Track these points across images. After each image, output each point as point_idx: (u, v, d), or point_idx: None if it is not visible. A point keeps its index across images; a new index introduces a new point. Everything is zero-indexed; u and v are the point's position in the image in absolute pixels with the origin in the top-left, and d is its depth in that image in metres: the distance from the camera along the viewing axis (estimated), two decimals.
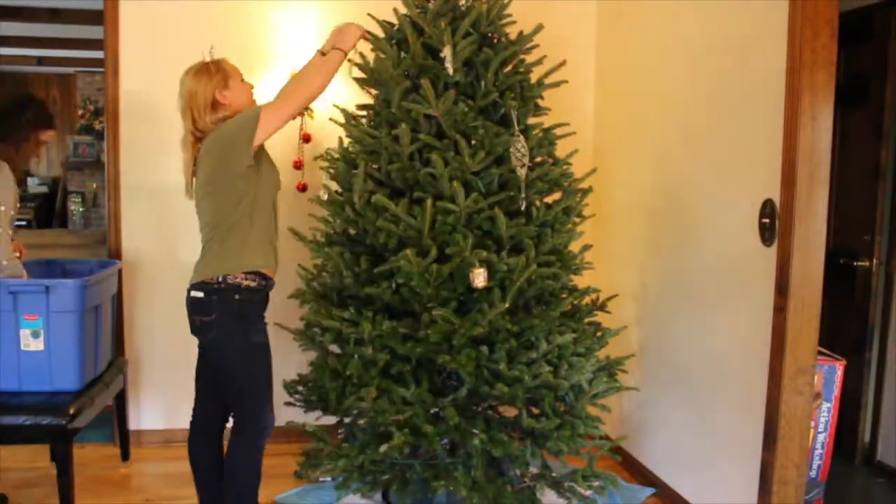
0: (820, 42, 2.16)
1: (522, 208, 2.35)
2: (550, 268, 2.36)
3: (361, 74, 2.58)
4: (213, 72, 2.29)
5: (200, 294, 2.20)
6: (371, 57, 2.54)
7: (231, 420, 2.37)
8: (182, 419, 3.43)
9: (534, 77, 2.51)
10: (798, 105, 2.17)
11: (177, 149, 2.31)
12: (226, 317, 2.19)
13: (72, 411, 2.46)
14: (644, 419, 3.20)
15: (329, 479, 2.84)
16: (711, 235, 2.69)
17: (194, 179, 2.27)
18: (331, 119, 2.79)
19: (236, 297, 2.19)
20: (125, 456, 3.23)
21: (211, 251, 2.23)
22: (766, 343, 2.32)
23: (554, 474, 2.44)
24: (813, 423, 2.46)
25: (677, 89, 2.92)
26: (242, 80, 2.37)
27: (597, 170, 2.63)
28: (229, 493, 2.29)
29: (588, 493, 2.45)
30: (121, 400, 3.18)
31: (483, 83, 2.39)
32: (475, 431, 2.26)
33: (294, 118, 2.37)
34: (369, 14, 2.58)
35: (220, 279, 2.19)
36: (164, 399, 3.43)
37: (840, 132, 3.27)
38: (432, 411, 2.31)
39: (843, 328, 3.38)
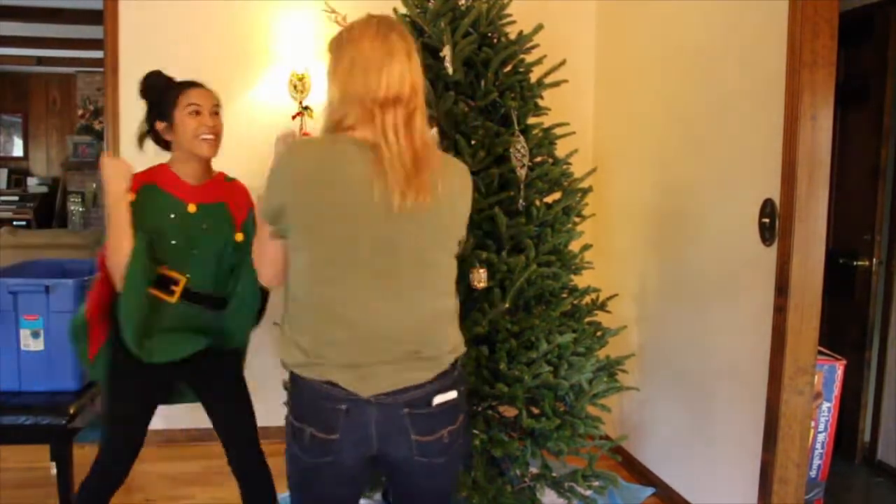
0: (820, 42, 2.16)
1: (521, 208, 2.35)
2: (550, 267, 2.36)
3: None
4: None
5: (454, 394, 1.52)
6: None
7: None
8: (182, 419, 3.44)
9: (534, 77, 2.51)
10: (798, 105, 2.17)
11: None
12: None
13: (72, 411, 2.46)
14: (644, 419, 3.20)
15: None
16: (711, 235, 2.69)
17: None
18: None
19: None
20: None
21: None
22: (766, 343, 2.32)
23: (554, 474, 2.43)
24: (813, 423, 2.45)
25: (677, 89, 2.92)
26: None
27: (597, 170, 2.63)
28: None
29: (588, 493, 2.45)
30: None
31: (483, 83, 2.39)
32: (475, 431, 2.26)
33: None
34: (369, 14, 2.58)
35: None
36: None
37: (840, 132, 3.27)
38: None
39: (843, 328, 3.37)
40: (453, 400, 1.50)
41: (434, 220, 1.46)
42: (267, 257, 1.55)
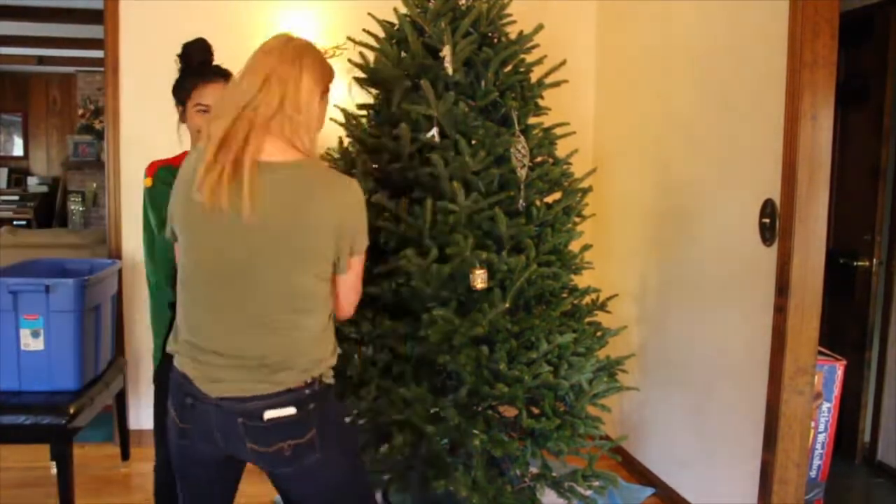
0: (820, 42, 2.16)
1: (521, 208, 2.35)
2: (550, 267, 2.36)
3: (361, 74, 2.58)
4: (329, 70, 1.61)
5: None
6: (371, 57, 2.54)
7: None
8: None
9: (534, 77, 2.51)
10: (798, 105, 2.17)
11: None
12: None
13: (72, 411, 2.46)
14: (644, 419, 3.20)
15: None
16: (712, 235, 2.69)
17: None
18: (331, 119, 2.79)
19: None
20: (125, 455, 3.23)
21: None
22: (766, 343, 2.32)
23: (554, 474, 2.43)
24: (813, 423, 2.45)
25: (677, 89, 2.92)
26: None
27: (597, 170, 2.63)
28: None
29: (588, 493, 2.44)
30: (121, 400, 3.18)
31: (483, 83, 2.39)
32: (475, 431, 2.25)
33: None
34: (369, 14, 2.58)
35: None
36: None
37: (840, 132, 3.27)
38: (432, 411, 2.31)
39: (843, 328, 3.38)
40: (291, 416, 1.49)
41: (290, 239, 1.47)
42: None
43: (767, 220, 2.33)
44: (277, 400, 1.49)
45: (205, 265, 1.50)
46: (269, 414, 1.48)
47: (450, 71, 2.31)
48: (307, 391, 1.52)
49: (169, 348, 1.59)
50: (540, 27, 2.45)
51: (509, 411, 2.40)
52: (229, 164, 1.42)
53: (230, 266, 1.48)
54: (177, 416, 1.56)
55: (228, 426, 1.50)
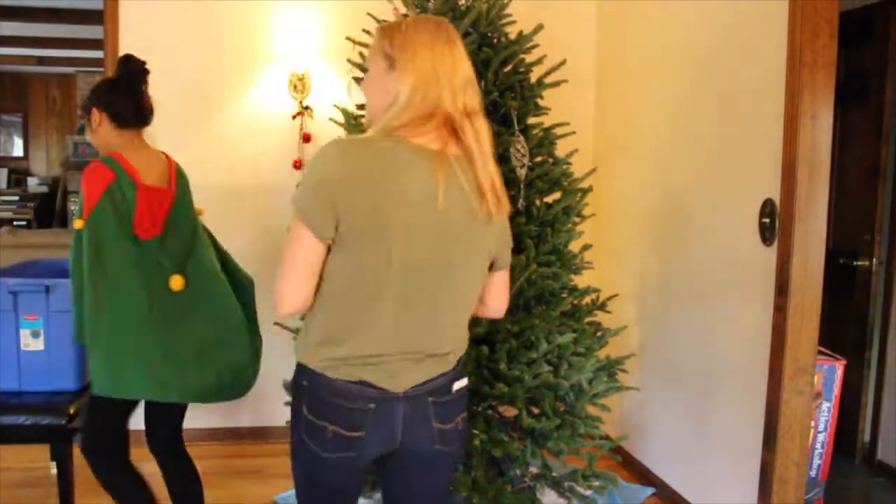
0: (820, 42, 2.16)
1: (521, 208, 2.35)
2: (550, 267, 2.36)
3: (361, 74, 2.58)
4: None
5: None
6: None
7: None
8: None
9: (534, 77, 2.51)
10: (798, 105, 2.17)
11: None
12: None
13: (72, 411, 2.46)
14: (644, 419, 3.20)
15: None
16: (711, 235, 2.69)
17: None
18: (331, 119, 2.80)
19: None
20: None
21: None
22: (766, 343, 2.32)
23: (554, 474, 2.43)
24: (813, 423, 2.45)
25: (677, 89, 2.92)
26: None
27: (597, 170, 2.63)
28: None
29: (588, 492, 2.45)
30: None
31: (483, 83, 2.39)
32: (475, 431, 2.26)
33: None
34: (369, 14, 2.58)
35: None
36: None
37: (840, 132, 3.27)
38: None
39: (843, 328, 3.38)
40: (466, 386, 1.60)
41: (477, 234, 1.45)
42: (297, 273, 1.39)
43: (767, 220, 2.33)
44: (456, 373, 1.55)
45: (392, 265, 1.37)
46: (457, 385, 1.55)
47: None
48: (460, 366, 1.60)
49: (319, 361, 1.46)
50: (540, 27, 2.45)
51: (509, 411, 2.40)
52: (454, 160, 1.38)
53: (427, 264, 1.40)
54: (344, 428, 1.44)
55: (417, 411, 1.49)
